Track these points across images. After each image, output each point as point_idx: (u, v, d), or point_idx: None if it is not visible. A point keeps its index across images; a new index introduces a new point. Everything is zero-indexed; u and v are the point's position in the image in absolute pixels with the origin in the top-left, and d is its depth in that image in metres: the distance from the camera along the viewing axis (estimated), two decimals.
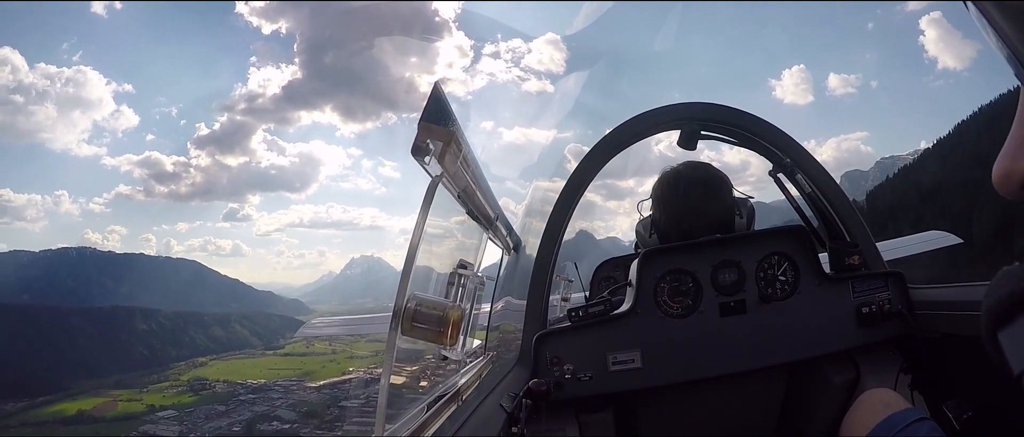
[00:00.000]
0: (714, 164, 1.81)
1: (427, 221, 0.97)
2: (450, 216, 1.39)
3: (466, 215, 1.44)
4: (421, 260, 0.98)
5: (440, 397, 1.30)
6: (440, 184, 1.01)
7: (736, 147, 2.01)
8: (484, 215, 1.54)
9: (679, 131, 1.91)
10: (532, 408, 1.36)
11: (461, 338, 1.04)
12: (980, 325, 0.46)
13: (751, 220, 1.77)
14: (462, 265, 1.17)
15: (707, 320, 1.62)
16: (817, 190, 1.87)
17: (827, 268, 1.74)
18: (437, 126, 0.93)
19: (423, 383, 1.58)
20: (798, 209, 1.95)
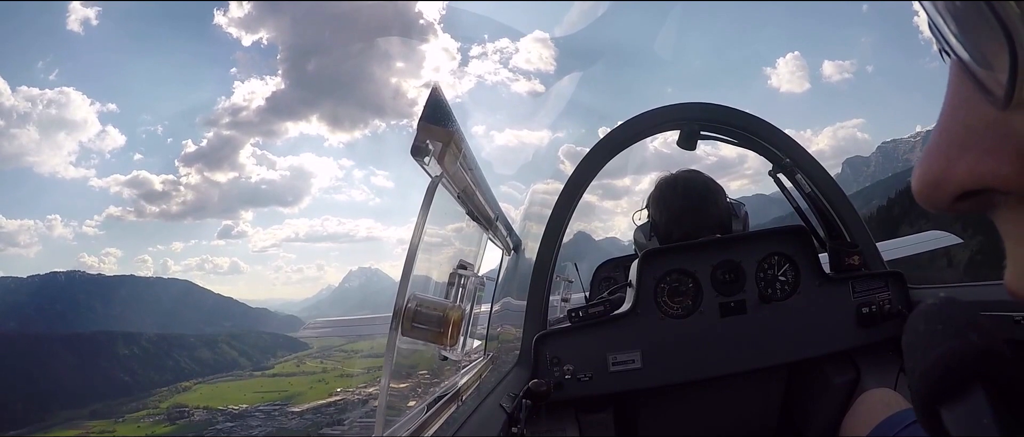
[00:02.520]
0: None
1: (427, 222, 0.97)
2: (450, 216, 1.38)
3: (466, 215, 1.44)
4: (421, 261, 0.97)
5: (440, 397, 1.30)
6: (440, 184, 1.01)
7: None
8: (484, 215, 1.53)
9: (678, 131, 1.91)
10: (532, 408, 1.35)
11: (461, 338, 1.04)
12: (911, 388, 0.37)
13: (746, 224, 1.78)
14: (462, 265, 1.16)
15: (707, 320, 1.62)
16: (817, 190, 1.88)
17: (827, 268, 1.75)
18: (437, 127, 0.93)
19: (423, 383, 1.58)
20: (798, 209, 1.95)
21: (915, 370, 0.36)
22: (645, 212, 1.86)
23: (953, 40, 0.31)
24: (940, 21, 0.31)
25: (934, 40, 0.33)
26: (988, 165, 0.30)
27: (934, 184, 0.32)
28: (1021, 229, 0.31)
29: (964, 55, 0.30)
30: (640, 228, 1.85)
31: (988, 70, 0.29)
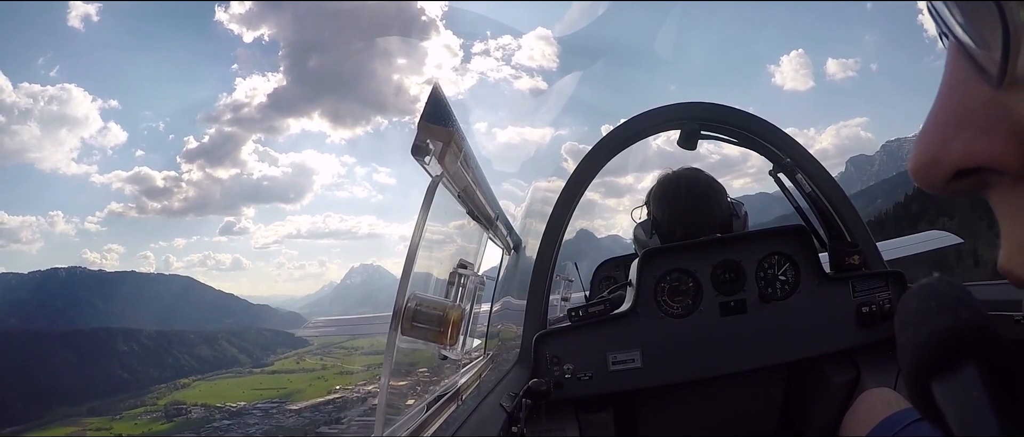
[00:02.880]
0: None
1: (427, 221, 0.97)
2: (450, 216, 1.38)
3: (466, 215, 1.44)
4: (421, 260, 0.97)
5: (440, 397, 1.30)
6: (440, 184, 1.01)
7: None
8: (484, 215, 1.53)
9: (679, 131, 1.91)
10: (532, 408, 1.36)
11: (461, 338, 1.04)
12: (901, 363, 0.38)
13: (746, 224, 1.78)
14: (462, 265, 1.16)
15: (707, 320, 1.62)
16: (817, 190, 1.87)
17: (827, 268, 1.74)
18: (437, 126, 0.93)
19: (423, 382, 1.58)
20: (798, 209, 1.95)
21: (907, 345, 0.37)
22: (645, 209, 1.86)
23: (952, 22, 0.31)
24: (940, 4, 0.32)
25: (934, 23, 0.33)
26: (983, 143, 0.30)
27: (930, 163, 0.32)
28: (1015, 209, 0.32)
29: (962, 36, 0.31)
30: (641, 225, 1.84)
31: (985, 50, 0.29)
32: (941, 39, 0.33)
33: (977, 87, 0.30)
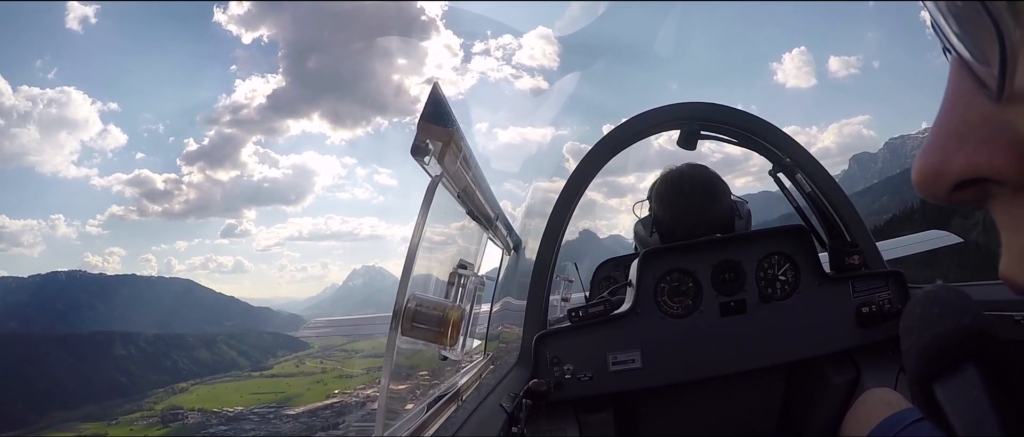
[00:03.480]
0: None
1: (427, 221, 0.97)
2: (450, 216, 1.38)
3: (466, 215, 1.43)
4: (421, 260, 0.97)
5: (440, 397, 1.29)
6: (440, 184, 1.01)
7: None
8: (484, 215, 1.53)
9: (679, 131, 1.91)
10: (532, 408, 1.35)
11: (461, 338, 1.04)
12: (906, 367, 0.39)
13: (748, 223, 1.77)
14: (462, 265, 1.16)
15: (707, 320, 1.62)
16: (817, 189, 1.87)
17: (827, 268, 1.74)
18: (437, 126, 0.93)
19: (423, 384, 1.58)
20: (798, 209, 1.95)
21: (911, 349, 0.39)
22: (647, 204, 1.86)
23: (953, 38, 0.32)
24: (941, 20, 0.33)
25: (937, 38, 0.34)
26: (984, 156, 0.31)
27: (933, 175, 0.33)
28: (1015, 218, 0.33)
29: (963, 52, 0.32)
30: (642, 221, 1.84)
31: (985, 66, 0.30)
32: (945, 54, 0.35)
33: (978, 101, 0.31)
